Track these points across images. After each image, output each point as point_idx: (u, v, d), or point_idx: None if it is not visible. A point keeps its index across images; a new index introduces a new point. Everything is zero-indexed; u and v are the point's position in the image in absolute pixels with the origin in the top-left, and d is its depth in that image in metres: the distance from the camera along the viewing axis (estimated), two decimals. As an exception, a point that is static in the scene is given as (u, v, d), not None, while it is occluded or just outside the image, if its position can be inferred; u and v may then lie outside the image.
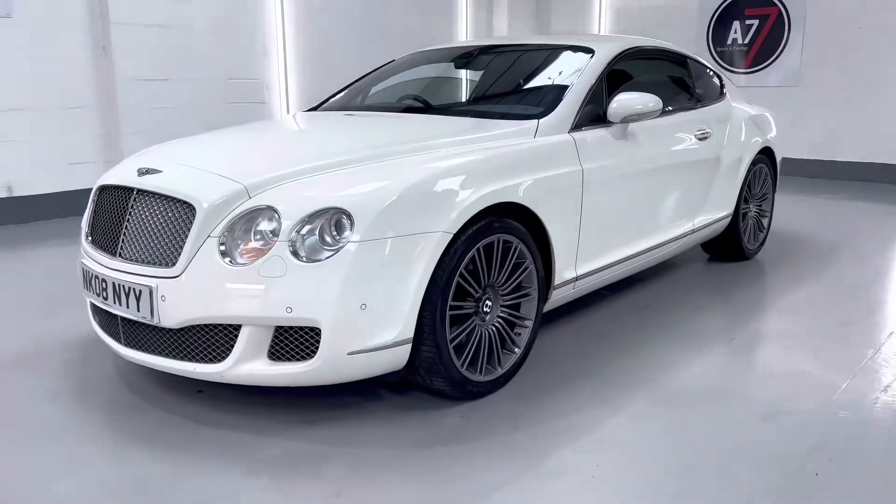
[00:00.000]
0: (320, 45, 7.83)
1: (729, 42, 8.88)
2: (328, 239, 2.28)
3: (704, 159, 3.99)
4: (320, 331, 2.26)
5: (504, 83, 3.65)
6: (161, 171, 2.59)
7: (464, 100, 3.91)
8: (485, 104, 3.57)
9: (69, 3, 6.01)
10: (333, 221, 2.29)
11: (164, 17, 6.51)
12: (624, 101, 3.23)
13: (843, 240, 5.29)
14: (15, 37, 5.76)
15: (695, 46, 9.02)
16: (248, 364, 2.33)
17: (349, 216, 2.28)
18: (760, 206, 4.81)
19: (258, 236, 2.32)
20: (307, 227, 2.28)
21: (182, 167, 2.64)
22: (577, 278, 3.13)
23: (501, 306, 2.77)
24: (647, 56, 3.99)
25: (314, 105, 4.10)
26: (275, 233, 2.30)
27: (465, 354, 2.59)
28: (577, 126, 3.16)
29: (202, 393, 2.71)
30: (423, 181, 2.42)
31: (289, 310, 2.23)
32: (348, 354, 2.30)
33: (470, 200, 2.47)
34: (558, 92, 3.25)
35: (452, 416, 2.57)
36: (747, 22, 8.71)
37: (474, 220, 2.52)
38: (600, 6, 9.85)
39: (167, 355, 2.46)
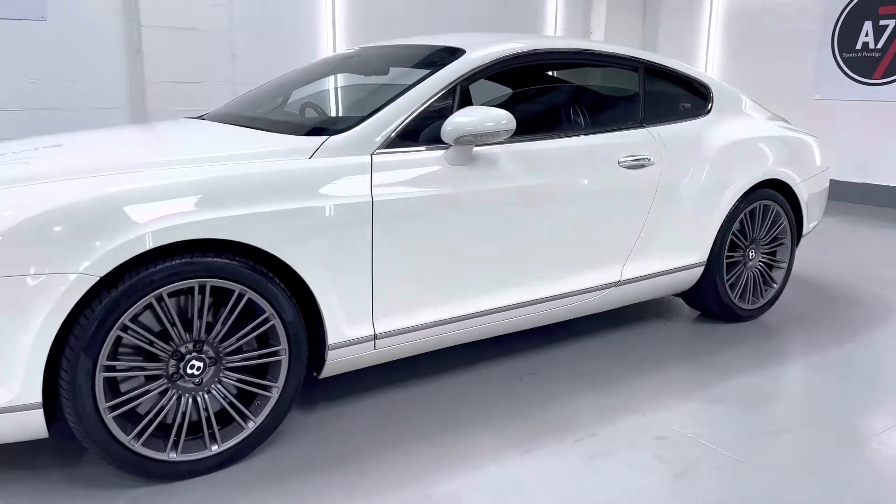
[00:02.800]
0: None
1: (858, 47, 7.36)
2: None
3: (636, 192, 3.10)
4: None
5: (348, 93, 3.05)
6: None
7: (296, 111, 3.20)
8: (302, 117, 2.98)
9: (103, 7, 6.16)
10: None
11: (197, 21, 6.50)
12: (456, 120, 2.52)
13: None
14: (49, 39, 5.99)
15: (815, 53, 7.59)
16: None
17: None
18: (770, 254, 3.75)
19: None
20: None
21: None
22: (376, 336, 2.48)
23: (226, 369, 2.22)
24: (570, 61, 3.18)
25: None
26: None
27: (143, 428, 2.08)
28: (391, 146, 2.51)
29: None
30: (57, 209, 1.94)
31: None
32: (-50, 415, 1.89)
33: (133, 234, 1.96)
34: (383, 103, 2.61)
35: (120, 500, 2.08)
36: (882, 22, 7.16)
37: (151, 259, 2.01)
38: (711, 7, 8.64)
39: None
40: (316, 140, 2.43)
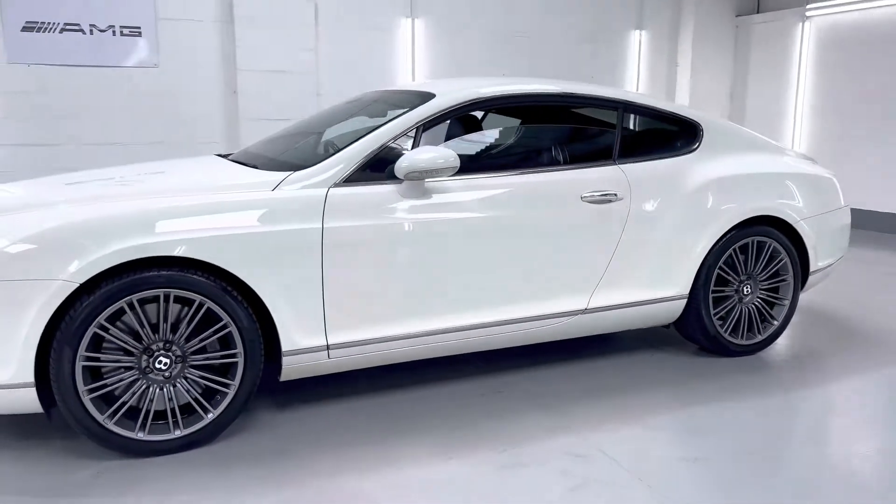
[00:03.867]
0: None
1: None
2: None
3: (601, 225, 3.27)
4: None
5: (339, 133, 3.42)
6: None
7: (293, 150, 3.48)
8: (285, 155, 3.36)
9: (206, 55, 7.01)
10: None
11: (287, 64, 7.21)
12: (406, 158, 2.85)
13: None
14: (160, 82, 6.89)
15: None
16: None
17: None
18: (772, 290, 3.74)
19: None
20: None
21: None
22: (329, 346, 2.83)
23: (190, 366, 2.66)
24: (544, 103, 3.41)
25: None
26: None
27: (115, 410, 2.55)
28: (349, 181, 2.87)
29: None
30: (49, 228, 2.45)
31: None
32: (-39, 387, 2.44)
33: (103, 251, 2.44)
34: (348, 143, 2.98)
35: (82, 471, 2.54)
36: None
37: (123, 271, 2.48)
38: (802, 33, 8.38)
39: None
40: (281, 175, 2.84)
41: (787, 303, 3.77)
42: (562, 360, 3.64)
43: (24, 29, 6.35)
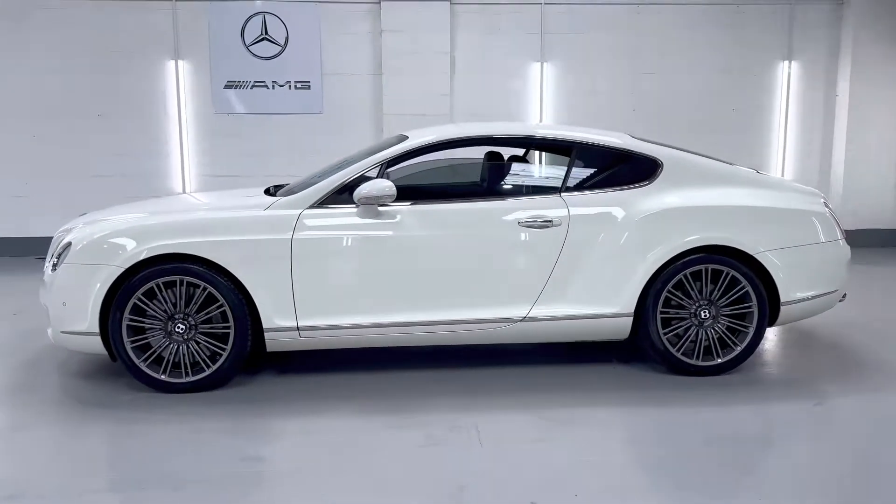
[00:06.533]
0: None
1: None
2: (57, 260, 3.81)
3: (538, 247, 3.85)
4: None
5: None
6: None
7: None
8: (301, 187, 4.19)
9: (360, 102, 8.39)
10: (63, 250, 3.80)
11: (426, 108, 8.34)
12: (359, 188, 3.73)
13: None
14: (324, 126, 8.41)
15: None
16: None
17: (69, 247, 3.77)
18: (739, 318, 3.96)
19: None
20: (59, 254, 3.85)
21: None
22: (299, 328, 3.78)
23: (199, 333, 3.77)
24: (505, 143, 4.07)
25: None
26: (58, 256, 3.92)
27: (148, 357, 3.74)
28: (321, 204, 3.82)
29: None
30: (109, 232, 3.72)
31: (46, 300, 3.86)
32: (61, 333, 3.78)
33: (138, 249, 3.64)
34: (327, 175, 3.95)
35: (123, 395, 3.75)
36: None
37: (151, 262, 3.67)
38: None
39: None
40: (272, 199, 3.88)
41: (749, 330, 3.95)
42: (532, 364, 4.20)
43: (226, 87, 8.23)
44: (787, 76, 8.68)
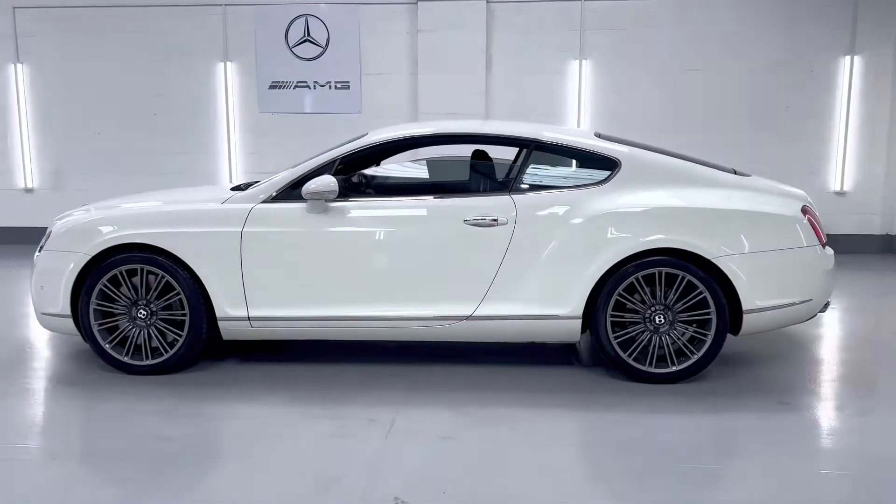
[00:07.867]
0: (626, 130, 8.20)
1: None
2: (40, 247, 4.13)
3: (483, 246, 3.81)
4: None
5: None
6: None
7: None
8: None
9: (396, 102, 8.51)
10: (45, 237, 4.12)
11: (459, 106, 8.36)
12: (307, 184, 3.82)
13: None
14: (363, 125, 8.43)
15: None
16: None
17: (48, 235, 4.08)
18: (698, 324, 3.79)
19: None
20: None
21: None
22: (249, 318, 3.93)
23: (159, 319, 3.99)
24: (460, 140, 4.04)
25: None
26: None
27: (113, 339, 3.99)
28: (274, 199, 3.95)
29: None
30: (84, 221, 3.99)
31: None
32: (42, 314, 4.10)
33: (107, 237, 3.89)
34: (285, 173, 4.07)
35: (91, 374, 4.02)
36: None
37: (115, 251, 3.91)
38: None
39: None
40: (229, 194, 4.05)
41: (707, 338, 3.77)
42: (483, 363, 4.17)
43: (270, 87, 8.56)
44: (850, 73, 8.10)
